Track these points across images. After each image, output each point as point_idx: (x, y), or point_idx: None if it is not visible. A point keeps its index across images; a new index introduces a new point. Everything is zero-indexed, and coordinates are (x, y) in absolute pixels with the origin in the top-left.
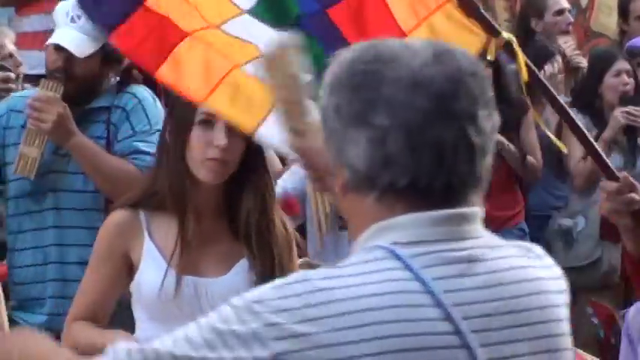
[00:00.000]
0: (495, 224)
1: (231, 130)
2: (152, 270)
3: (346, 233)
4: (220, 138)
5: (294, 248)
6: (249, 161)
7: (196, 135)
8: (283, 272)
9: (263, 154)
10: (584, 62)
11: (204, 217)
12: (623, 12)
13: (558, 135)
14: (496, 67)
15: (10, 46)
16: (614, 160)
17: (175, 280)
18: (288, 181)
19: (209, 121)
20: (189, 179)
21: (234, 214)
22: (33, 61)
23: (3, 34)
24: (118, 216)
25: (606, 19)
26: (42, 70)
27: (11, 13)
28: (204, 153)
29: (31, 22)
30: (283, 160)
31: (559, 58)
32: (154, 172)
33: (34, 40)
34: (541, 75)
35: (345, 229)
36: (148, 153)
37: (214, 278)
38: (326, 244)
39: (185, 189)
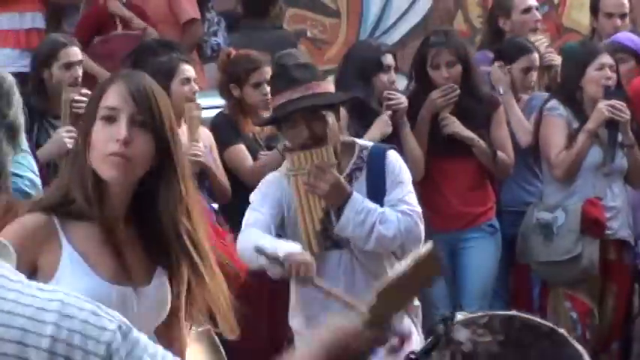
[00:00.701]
0: (466, 221)
1: (137, 127)
2: (78, 278)
3: (333, 253)
4: (121, 131)
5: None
6: (160, 166)
7: (97, 131)
8: (199, 283)
9: (178, 161)
10: (557, 60)
11: (119, 222)
12: (594, 9)
13: (536, 129)
14: (466, 64)
15: None
16: (593, 154)
17: (117, 290)
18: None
19: (111, 116)
20: (99, 183)
21: (144, 221)
22: (7, 59)
23: None
24: (30, 219)
25: (578, 14)
26: (14, 69)
27: None
28: (105, 148)
29: (4, 20)
30: (255, 156)
31: (535, 55)
32: (67, 177)
33: (6, 38)
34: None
35: (332, 249)
36: (18, 175)
37: (140, 288)
38: None
39: (94, 192)
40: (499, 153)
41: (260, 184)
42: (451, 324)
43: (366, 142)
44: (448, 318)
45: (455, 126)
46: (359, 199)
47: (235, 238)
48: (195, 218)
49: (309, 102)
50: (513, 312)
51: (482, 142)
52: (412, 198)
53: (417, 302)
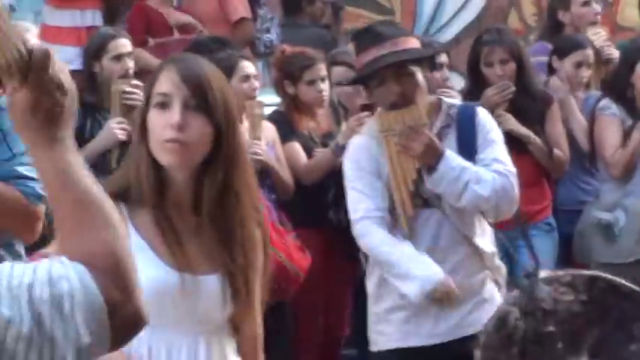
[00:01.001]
0: (522, 218)
1: (192, 111)
2: (145, 266)
3: (423, 211)
4: (175, 116)
5: (267, 244)
6: (212, 152)
7: (153, 118)
8: (248, 271)
9: (227, 148)
10: (615, 54)
11: (185, 210)
12: None
13: (590, 129)
14: (520, 62)
15: (34, 41)
16: None
17: (179, 277)
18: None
19: (164, 102)
20: (160, 170)
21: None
22: (68, 56)
23: (25, 29)
24: None
25: (632, 12)
26: (77, 66)
27: (37, 7)
28: (161, 135)
29: (65, 17)
30: (310, 154)
31: (589, 51)
32: (129, 165)
33: (68, 35)
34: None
35: (422, 207)
36: (32, 178)
37: (209, 275)
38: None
39: (153, 179)
40: (555, 150)
41: (349, 152)
42: (535, 280)
43: (453, 100)
44: (532, 274)
45: (510, 123)
46: (452, 156)
47: (296, 237)
48: (239, 211)
49: (398, 57)
50: (596, 272)
51: (538, 139)
52: (506, 157)
53: (499, 262)
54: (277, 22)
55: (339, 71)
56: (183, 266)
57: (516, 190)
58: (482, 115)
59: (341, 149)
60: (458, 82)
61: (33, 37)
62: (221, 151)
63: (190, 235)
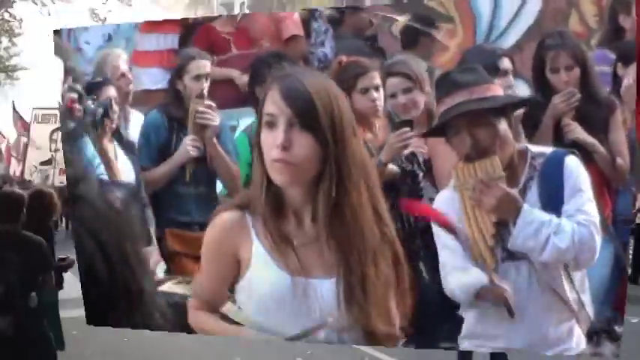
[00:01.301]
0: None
1: (298, 130)
2: (262, 270)
3: (509, 264)
4: (279, 136)
5: (398, 257)
6: (323, 168)
7: (264, 137)
8: (365, 280)
9: (338, 163)
10: None
11: (304, 218)
12: None
13: None
14: (584, 67)
15: (124, 67)
16: None
17: (291, 280)
18: None
19: (272, 122)
20: (275, 184)
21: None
22: (155, 78)
23: (116, 56)
24: (226, 216)
25: None
26: (163, 85)
27: (129, 34)
28: (270, 154)
29: (152, 42)
30: None
31: None
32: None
33: (154, 57)
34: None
35: (507, 260)
36: None
37: (323, 279)
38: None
39: (266, 194)
40: (617, 159)
41: (434, 203)
42: (618, 335)
43: (541, 148)
44: (612, 328)
45: (577, 132)
46: (529, 211)
47: None
48: (355, 223)
49: (468, 107)
50: None
51: (602, 148)
52: (590, 207)
53: (587, 311)
54: (332, 34)
55: (394, 82)
56: (297, 270)
57: (597, 239)
58: (571, 163)
59: (383, 165)
60: (523, 89)
61: (123, 63)
62: (327, 169)
63: (310, 242)
